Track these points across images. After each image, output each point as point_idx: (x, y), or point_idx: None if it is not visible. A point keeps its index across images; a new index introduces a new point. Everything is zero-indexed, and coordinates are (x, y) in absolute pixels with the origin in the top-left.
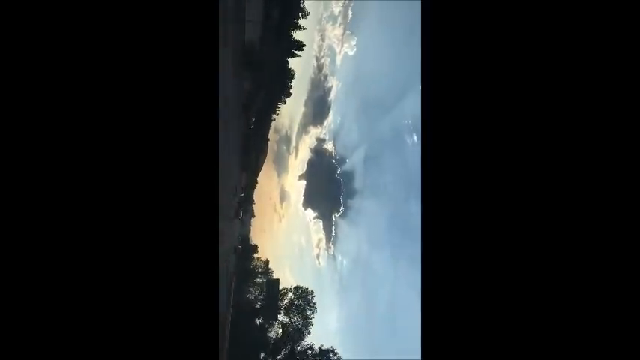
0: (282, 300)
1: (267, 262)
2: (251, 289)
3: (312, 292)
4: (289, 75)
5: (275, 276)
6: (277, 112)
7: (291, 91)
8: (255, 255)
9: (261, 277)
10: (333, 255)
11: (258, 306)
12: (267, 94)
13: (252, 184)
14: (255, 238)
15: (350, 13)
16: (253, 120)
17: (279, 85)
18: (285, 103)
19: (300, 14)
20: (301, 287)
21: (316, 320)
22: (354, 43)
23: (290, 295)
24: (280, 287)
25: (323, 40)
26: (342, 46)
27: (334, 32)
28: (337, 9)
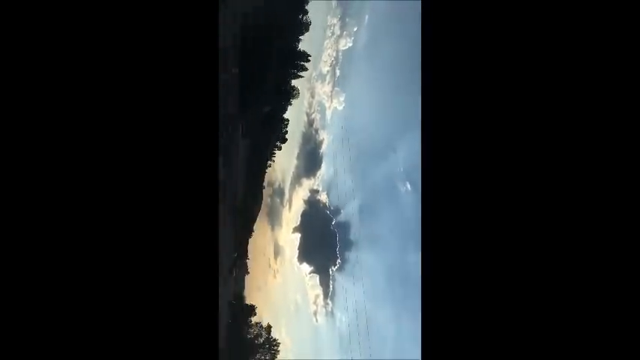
0: None
1: (269, 328)
2: None
3: None
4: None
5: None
6: (273, 158)
7: (286, 136)
8: (253, 319)
9: (263, 353)
10: (332, 312)
11: None
12: (263, 139)
13: (248, 231)
14: (249, 296)
15: (337, 71)
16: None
17: (275, 131)
18: (280, 149)
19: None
20: None
21: None
22: (342, 98)
23: None
24: None
25: (313, 96)
26: (332, 102)
27: (323, 89)
28: (325, 68)
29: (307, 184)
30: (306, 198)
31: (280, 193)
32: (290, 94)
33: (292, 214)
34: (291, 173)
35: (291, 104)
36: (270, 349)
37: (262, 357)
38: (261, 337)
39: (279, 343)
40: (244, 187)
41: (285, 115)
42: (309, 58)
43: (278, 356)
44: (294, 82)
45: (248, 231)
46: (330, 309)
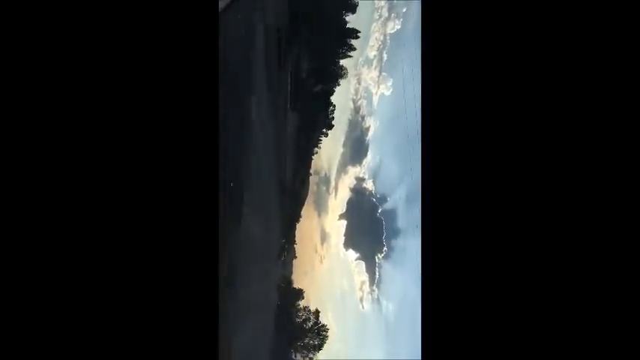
0: None
1: (317, 313)
2: None
3: None
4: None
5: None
6: (319, 145)
7: (332, 122)
8: (301, 303)
9: (311, 338)
10: (378, 299)
11: None
12: (310, 125)
13: (296, 216)
14: (297, 280)
15: (385, 55)
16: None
17: (321, 117)
18: (327, 135)
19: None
20: None
21: None
22: (389, 83)
23: None
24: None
25: (359, 83)
26: (379, 87)
27: (370, 75)
28: (372, 53)
29: (353, 171)
30: (352, 186)
31: (326, 181)
32: (338, 74)
33: (338, 201)
34: (337, 161)
35: (339, 84)
36: (318, 334)
37: (311, 341)
38: (309, 322)
39: (327, 329)
40: (292, 169)
41: (332, 99)
42: (358, 34)
43: (326, 342)
44: (342, 62)
45: (296, 216)
46: (376, 296)
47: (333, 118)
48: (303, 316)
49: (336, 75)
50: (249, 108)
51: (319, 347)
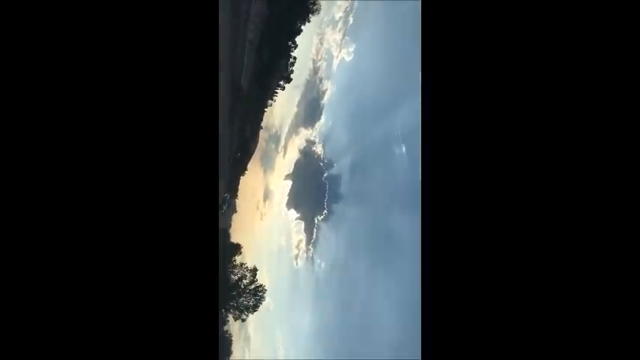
0: None
1: (254, 271)
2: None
3: None
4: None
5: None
6: (274, 98)
7: (292, 76)
8: (238, 258)
9: (247, 297)
10: (312, 257)
11: None
12: (268, 72)
13: (242, 168)
14: (235, 235)
15: (351, 18)
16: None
17: (280, 66)
18: (284, 89)
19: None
20: None
21: (288, 323)
22: (352, 49)
23: None
24: None
25: (321, 43)
26: (340, 51)
27: (333, 37)
28: (338, 14)
29: (305, 133)
30: (301, 147)
31: (276, 139)
32: (310, 9)
33: (286, 161)
34: (289, 120)
35: (309, 21)
36: (254, 294)
37: (245, 302)
38: (245, 279)
39: (265, 290)
40: (249, 78)
41: (294, 55)
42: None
43: (262, 303)
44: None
45: (242, 168)
46: (310, 254)
47: (292, 71)
48: (239, 274)
49: (307, 9)
50: None
51: (254, 308)
